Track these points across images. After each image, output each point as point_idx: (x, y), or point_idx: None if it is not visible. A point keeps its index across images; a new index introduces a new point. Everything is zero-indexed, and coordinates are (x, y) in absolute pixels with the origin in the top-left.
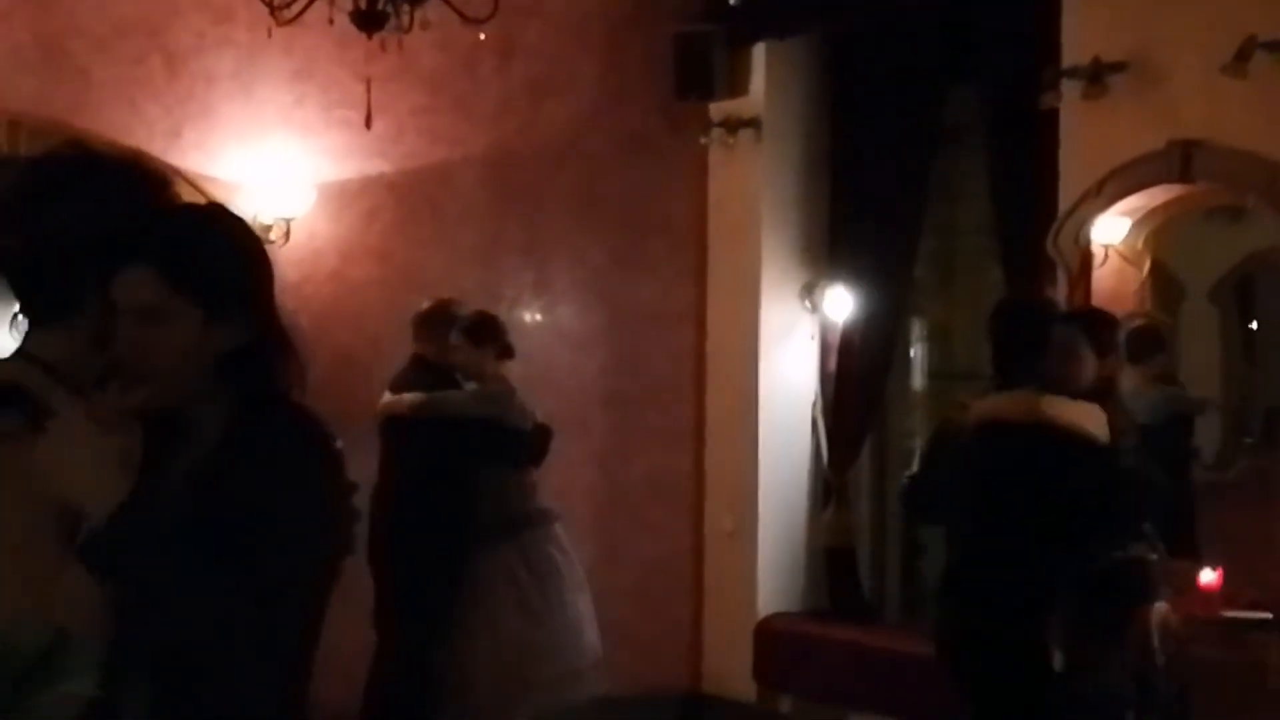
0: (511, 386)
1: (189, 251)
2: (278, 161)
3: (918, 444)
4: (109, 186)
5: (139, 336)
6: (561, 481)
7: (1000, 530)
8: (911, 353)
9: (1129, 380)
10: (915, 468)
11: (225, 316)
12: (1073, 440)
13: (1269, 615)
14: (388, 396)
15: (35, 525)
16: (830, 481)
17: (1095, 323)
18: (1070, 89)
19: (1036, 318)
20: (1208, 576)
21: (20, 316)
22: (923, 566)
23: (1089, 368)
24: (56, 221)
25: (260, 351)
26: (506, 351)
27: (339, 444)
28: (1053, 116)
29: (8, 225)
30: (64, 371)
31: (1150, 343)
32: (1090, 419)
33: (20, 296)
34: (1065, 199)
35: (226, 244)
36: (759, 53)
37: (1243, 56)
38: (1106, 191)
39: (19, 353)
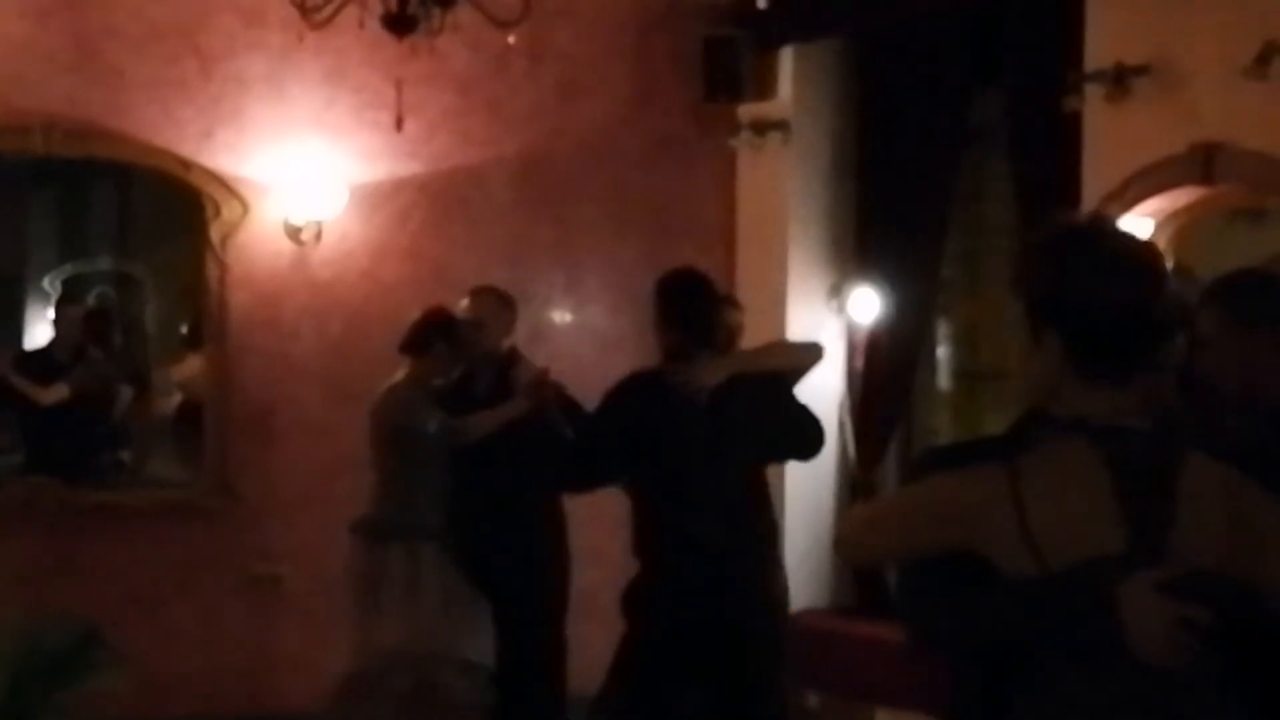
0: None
1: None
2: (309, 163)
3: (944, 442)
4: None
5: None
6: None
7: (724, 480)
8: (938, 352)
9: None
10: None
11: None
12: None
13: None
14: None
15: None
16: (856, 479)
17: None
18: (1093, 92)
19: (713, 293)
20: None
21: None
22: None
23: None
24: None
25: None
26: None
27: None
28: (1076, 119)
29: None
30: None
31: None
32: None
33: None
34: (1088, 201)
35: None
36: (786, 55)
37: (1263, 60)
38: (1129, 194)
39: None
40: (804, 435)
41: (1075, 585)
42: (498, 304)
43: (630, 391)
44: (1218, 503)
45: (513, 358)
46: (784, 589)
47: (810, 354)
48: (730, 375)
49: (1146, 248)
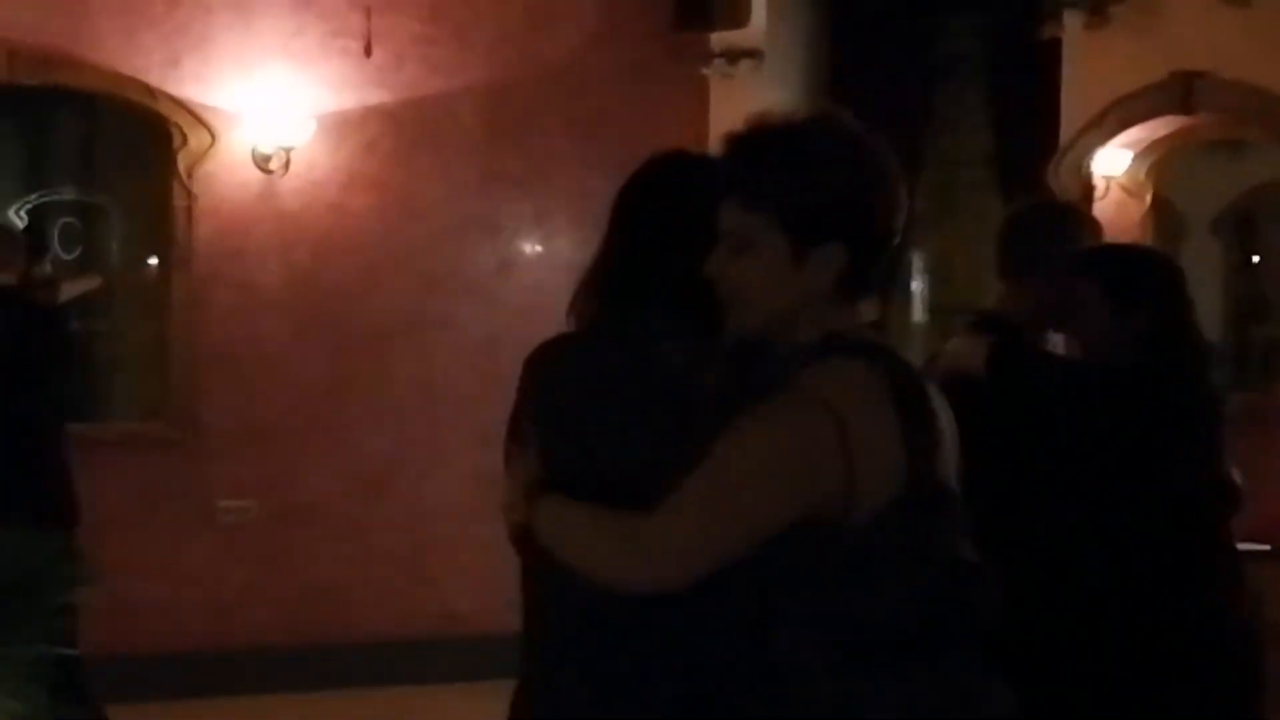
0: None
1: None
2: (277, 91)
3: None
4: None
5: None
6: None
7: None
8: (912, 286)
9: None
10: None
11: None
12: None
13: (1266, 547)
14: None
15: None
16: None
17: None
18: (1072, 19)
19: None
20: None
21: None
22: None
23: None
24: None
25: None
26: None
27: None
28: (1054, 47)
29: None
30: None
31: None
32: None
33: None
34: (1067, 130)
35: None
36: None
37: None
38: (1108, 123)
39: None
40: None
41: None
42: None
43: None
44: (947, 416)
45: None
46: None
47: None
48: None
49: None
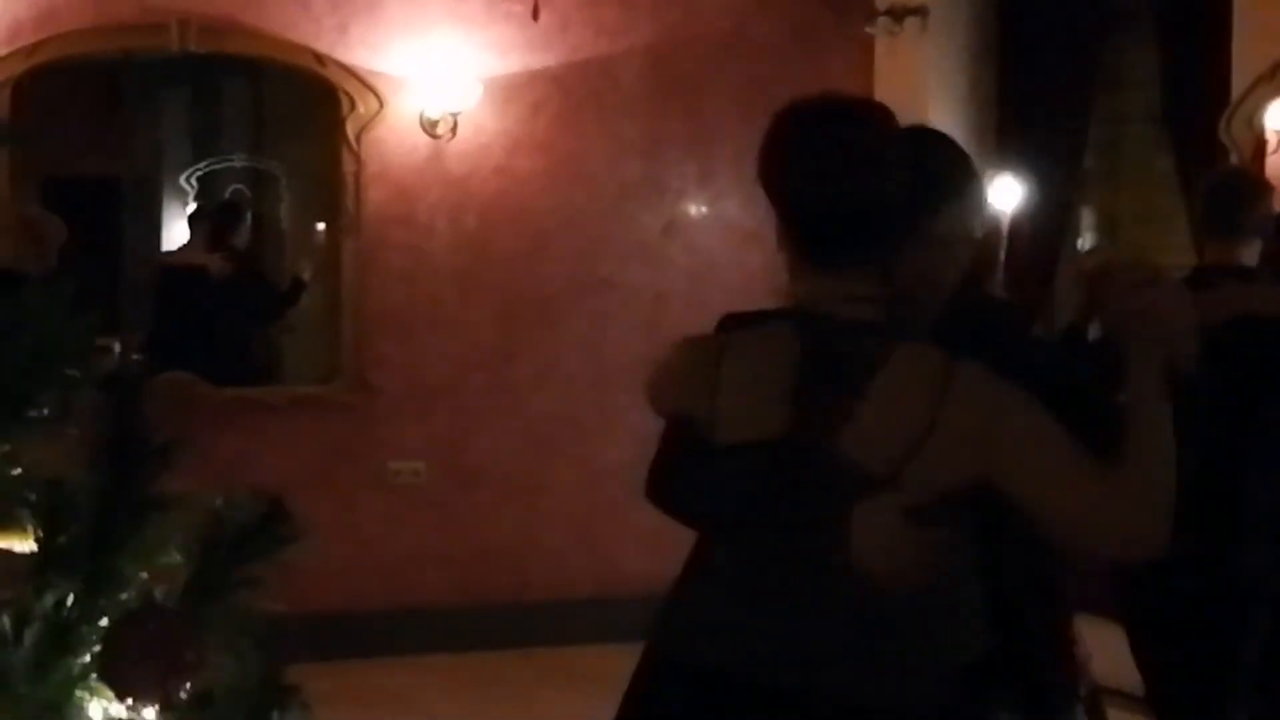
0: None
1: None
2: (444, 56)
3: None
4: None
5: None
6: None
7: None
8: (1080, 243)
9: None
10: None
11: None
12: None
13: None
14: None
15: None
16: None
17: None
18: None
19: None
20: None
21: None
22: None
23: None
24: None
25: None
26: None
27: None
28: None
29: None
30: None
31: None
32: None
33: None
34: (1238, 84)
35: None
36: None
37: None
38: None
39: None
40: None
41: (731, 464)
42: None
43: None
44: (919, 401)
45: None
46: None
47: None
48: None
49: (873, 136)
